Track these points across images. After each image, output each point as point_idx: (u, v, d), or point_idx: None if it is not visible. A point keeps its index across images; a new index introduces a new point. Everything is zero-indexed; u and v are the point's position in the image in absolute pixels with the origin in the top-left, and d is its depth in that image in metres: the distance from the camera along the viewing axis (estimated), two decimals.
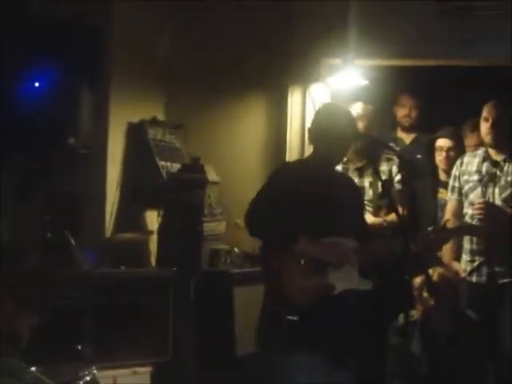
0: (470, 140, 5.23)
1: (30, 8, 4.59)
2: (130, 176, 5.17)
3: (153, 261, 5.02)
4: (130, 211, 5.14)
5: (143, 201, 5.18)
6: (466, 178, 4.54)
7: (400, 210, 4.74)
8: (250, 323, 4.04)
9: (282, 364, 3.61)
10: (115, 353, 4.28)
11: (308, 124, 4.04)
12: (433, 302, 4.25)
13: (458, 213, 4.57)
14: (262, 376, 3.73)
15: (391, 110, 5.95)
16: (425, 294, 4.28)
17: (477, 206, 4.37)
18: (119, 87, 5.03)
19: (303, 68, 5.47)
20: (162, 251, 4.94)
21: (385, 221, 5.00)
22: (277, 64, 5.44)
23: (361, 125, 4.92)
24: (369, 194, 5.07)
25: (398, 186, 5.11)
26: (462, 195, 4.58)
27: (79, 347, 3.78)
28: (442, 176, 5.19)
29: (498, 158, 4.46)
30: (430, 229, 3.85)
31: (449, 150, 5.15)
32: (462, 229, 4.23)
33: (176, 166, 5.20)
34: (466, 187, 4.54)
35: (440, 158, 5.20)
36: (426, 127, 5.77)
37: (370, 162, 4.99)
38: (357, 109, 5.00)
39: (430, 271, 4.14)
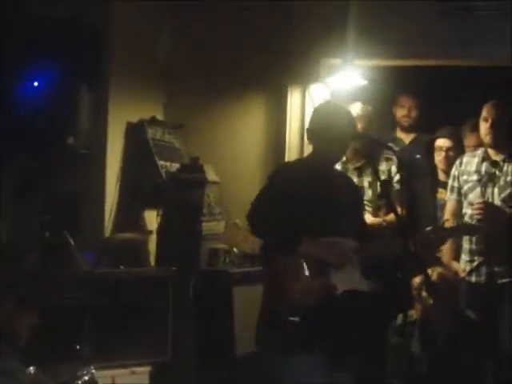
0: (469, 140, 5.23)
1: (30, 8, 4.59)
2: (129, 176, 5.16)
3: (152, 260, 5.02)
4: (130, 211, 5.14)
5: (142, 200, 5.18)
6: (466, 178, 4.54)
7: (399, 209, 4.74)
8: (249, 323, 4.03)
9: (282, 364, 3.61)
10: (114, 352, 4.28)
11: (307, 124, 4.04)
12: (432, 302, 4.25)
13: (458, 213, 4.58)
14: (261, 376, 3.73)
15: (391, 110, 5.95)
16: (424, 294, 4.29)
17: (476, 206, 4.37)
18: (118, 87, 5.03)
19: (303, 68, 5.47)
20: (161, 251, 4.94)
21: (384, 221, 5.00)
22: (276, 64, 5.44)
23: (360, 125, 4.92)
24: (368, 193, 5.08)
25: (397, 186, 5.11)
26: (461, 195, 4.58)
27: (78, 347, 3.78)
28: (442, 176, 5.19)
29: (498, 158, 4.46)
30: (428, 228, 3.85)
31: (448, 150, 5.15)
32: (460, 228, 4.23)
33: (175, 166, 5.20)
34: (466, 187, 4.54)
35: (439, 158, 5.20)
36: (426, 127, 5.77)
37: (369, 161, 5.00)
38: (356, 109, 5.00)
39: (429, 271, 4.14)
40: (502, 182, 4.42)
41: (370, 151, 5.02)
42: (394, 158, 5.14)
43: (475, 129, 4.85)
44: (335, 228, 3.73)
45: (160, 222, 5.04)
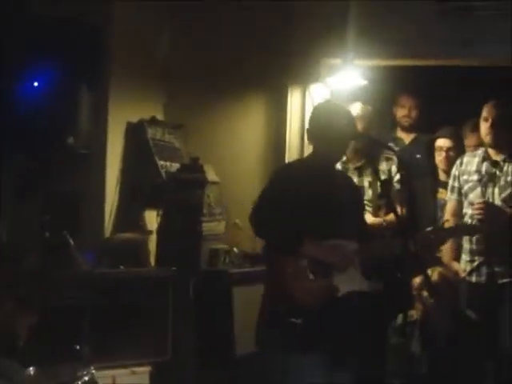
0: (469, 140, 5.23)
1: (30, 8, 4.58)
2: (129, 176, 5.16)
3: (152, 261, 5.01)
4: (130, 211, 5.13)
5: (142, 200, 5.17)
6: (466, 178, 4.54)
7: (399, 209, 4.73)
8: (249, 323, 4.03)
9: (282, 364, 3.61)
10: (114, 352, 4.28)
11: (307, 124, 4.05)
12: (432, 302, 4.25)
13: (458, 213, 4.57)
14: (261, 376, 3.73)
15: (391, 110, 5.94)
16: (424, 294, 4.28)
17: (476, 206, 4.37)
18: (119, 87, 5.02)
19: (303, 68, 5.47)
20: (162, 251, 4.94)
21: (384, 221, 5.00)
22: (276, 64, 5.44)
23: (360, 125, 4.91)
24: (368, 193, 5.07)
25: (397, 186, 5.11)
26: (461, 195, 4.58)
27: (78, 347, 3.77)
28: (442, 176, 5.19)
29: (498, 157, 4.46)
30: (428, 229, 3.85)
31: (448, 150, 5.15)
32: (460, 228, 4.23)
33: (175, 166, 5.20)
34: (466, 187, 4.54)
35: (440, 158, 5.20)
36: (426, 127, 5.77)
37: (369, 161, 5.00)
38: (356, 109, 5.00)
39: (430, 271, 4.14)
40: (502, 182, 4.41)
41: (370, 151, 5.02)
42: (395, 158, 5.14)
43: (476, 129, 4.85)
44: (336, 228, 3.73)
45: (160, 222, 5.04)
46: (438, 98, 6.02)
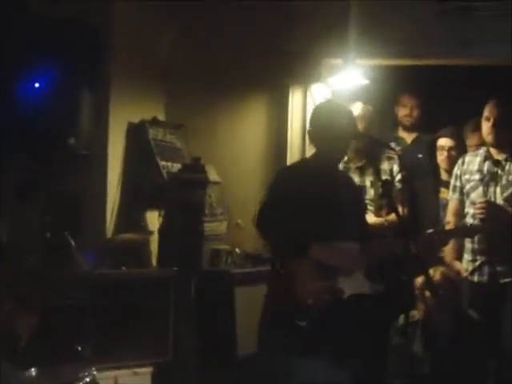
0: (471, 140, 5.22)
1: (30, 8, 4.58)
2: (130, 176, 5.16)
3: (154, 261, 5.01)
4: (131, 211, 5.13)
5: (144, 201, 5.17)
6: (468, 178, 4.53)
7: (400, 209, 4.73)
8: (251, 323, 4.03)
9: (284, 365, 3.60)
10: (116, 353, 4.28)
11: (308, 124, 4.05)
12: (434, 302, 4.24)
13: (460, 212, 4.56)
14: (263, 376, 3.73)
15: (392, 110, 5.94)
16: (427, 294, 4.27)
17: (478, 206, 4.36)
18: (119, 87, 5.02)
19: (304, 68, 5.46)
20: (163, 251, 4.94)
21: (386, 220, 4.99)
22: (278, 64, 5.43)
23: (361, 125, 4.91)
24: (370, 193, 5.07)
25: (398, 185, 5.10)
26: (463, 194, 4.57)
27: (79, 348, 3.77)
28: (444, 175, 5.19)
29: (500, 157, 4.45)
30: (430, 231, 3.85)
31: (450, 149, 5.15)
32: (462, 230, 4.22)
33: (177, 166, 5.19)
34: (468, 186, 4.53)
35: (441, 158, 5.20)
36: (427, 127, 5.77)
37: (371, 161, 5.00)
38: (357, 109, 5.00)
39: (432, 271, 4.13)
40: (504, 181, 4.41)
41: (371, 151, 5.02)
42: (396, 157, 5.14)
43: (477, 128, 4.84)
44: (339, 228, 3.72)
45: (162, 223, 5.04)
46: (438, 98, 6.01)
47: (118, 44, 4.95)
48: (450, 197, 4.68)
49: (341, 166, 4.77)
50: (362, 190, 4.74)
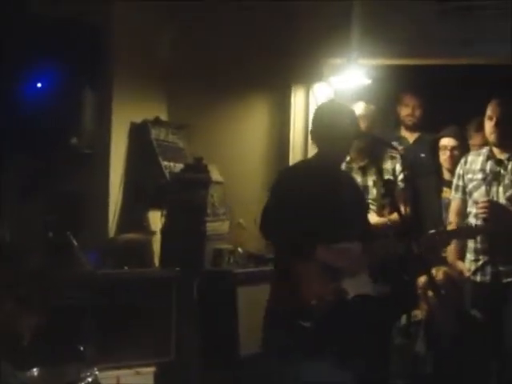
0: (475, 139, 5.21)
1: (30, 8, 4.59)
2: (133, 176, 5.16)
3: (156, 261, 5.01)
4: (133, 211, 5.13)
5: (146, 201, 5.18)
6: (470, 177, 4.52)
7: (403, 208, 4.72)
8: (253, 323, 4.03)
9: (286, 365, 3.60)
10: (118, 353, 4.28)
11: (310, 124, 4.05)
12: (437, 302, 4.23)
13: (462, 212, 4.56)
14: (266, 377, 3.72)
15: (394, 109, 5.93)
16: (429, 294, 4.27)
17: (481, 205, 4.35)
18: (121, 87, 5.03)
19: (306, 68, 5.46)
20: (165, 251, 4.94)
21: (389, 220, 4.98)
22: (280, 64, 5.43)
23: (363, 125, 4.91)
24: (372, 192, 5.06)
25: (401, 185, 5.10)
26: (465, 194, 4.56)
27: (81, 348, 3.78)
28: (446, 175, 5.19)
29: (502, 156, 4.45)
30: (432, 231, 3.84)
31: (453, 149, 5.15)
32: (464, 231, 4.21)
33: (179, 166, 5.20)
34: (470, 186, 4.52)
35: (444, 157, 5.20)
36: (429, 126, 5.76)
37: (373, 160, 4.99)
38: (359, 109, 4.99)
39: (434, 271, 4.13)
40: (506, 181, 4.40)
41: (373, 150, 5.02)
42: (398, 157, 5.14)
43: (480, 128, 4.84)
44: (341, 228, 3.72)
45: (164, 223, 5.04)
46: (440, 97, 6.00)
47: (119, 44, 4.95)
48: (453, 196, 4.67)
49: (343, 166, 4.77)
50: (364, 190, 4.74)
